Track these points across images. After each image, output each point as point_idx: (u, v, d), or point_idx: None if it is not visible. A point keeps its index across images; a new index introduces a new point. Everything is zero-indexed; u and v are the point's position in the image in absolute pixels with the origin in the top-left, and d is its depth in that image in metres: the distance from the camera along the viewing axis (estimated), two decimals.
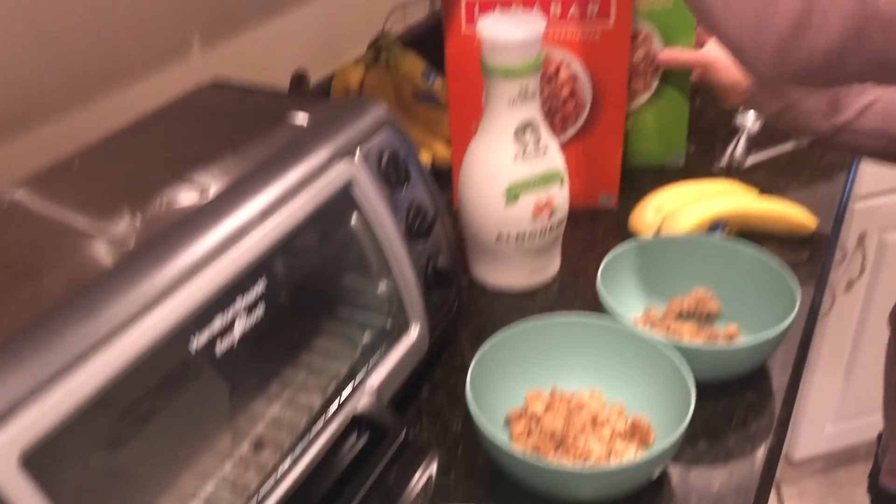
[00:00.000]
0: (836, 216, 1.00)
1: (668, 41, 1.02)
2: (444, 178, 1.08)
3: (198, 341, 0.53)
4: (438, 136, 1.11)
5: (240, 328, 0.56)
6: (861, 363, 1.68)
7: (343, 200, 0.66)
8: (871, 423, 1.79)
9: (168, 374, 0.52)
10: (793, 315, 0.74)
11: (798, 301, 0.75)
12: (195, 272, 0.53)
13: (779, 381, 0.77)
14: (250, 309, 0.56)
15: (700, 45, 1.02)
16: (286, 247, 0.61)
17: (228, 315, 0.55)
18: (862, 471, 1.87)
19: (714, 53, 0.97)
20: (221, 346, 0.54)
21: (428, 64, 1.18)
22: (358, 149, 0.68)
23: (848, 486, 1.84)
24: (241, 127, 0.70)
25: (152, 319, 0.49)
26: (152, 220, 0.57)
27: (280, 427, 0.63)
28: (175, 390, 0.53)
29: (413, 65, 1.17)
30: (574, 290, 0.91)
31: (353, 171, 0.66)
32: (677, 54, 1.01)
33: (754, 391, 0.76)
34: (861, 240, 1.47)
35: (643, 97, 1.06)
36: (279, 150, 0.64)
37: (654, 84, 1.05)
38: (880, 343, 1.64)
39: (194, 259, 0.53)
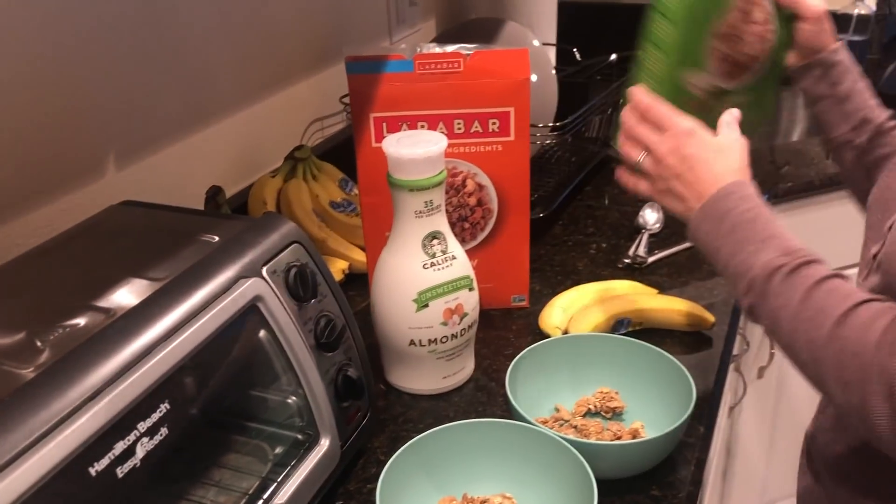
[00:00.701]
0: (734, 310, 1.05)
1: None
2: (362, 282, 1.11)
3: (98, 466, 0.53)
4: (356, 243, 1.14)
5: (143, 451, 0.56)
6: (780, 447, 1.73)
7: (250, 317, 0.68)
8: None
9: (68, 499, 0.52)
10: (690, 409, 0.78)
11: (694, 395, 0.79)
12: (95, 398, 0.53)
13: (682, 473, 0.80)
14: (153, 432, 0.57)
15: None
16: (191, 367, 0.62)
17: (130, 439, 0.55)
18: None
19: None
20: (123, 470, 0.55)
21: (345, 174, 1.22)
22: (265, 266, 0.70)
23: None
24: (149, 247, 0.72)
25: (48, 447, 0.50)
26: (54, 346, 0.57)
27: None
28: None
29: (330, 175, 1.21)
30: (489, 392, 0.93)
31: (260, 288, 0.68)
32: None
33: (658, 486, 0.79)
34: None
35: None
36: (185, 270, 0.66)
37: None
38: (797, 426, 1.70)
39: (94, 384, 0.54)
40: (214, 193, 1.02)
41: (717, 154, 0.75)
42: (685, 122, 0.77)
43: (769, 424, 1.70)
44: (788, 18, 0.90)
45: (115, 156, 0.98)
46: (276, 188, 1.15)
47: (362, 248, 1.13)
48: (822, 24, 0.90)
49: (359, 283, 1.12)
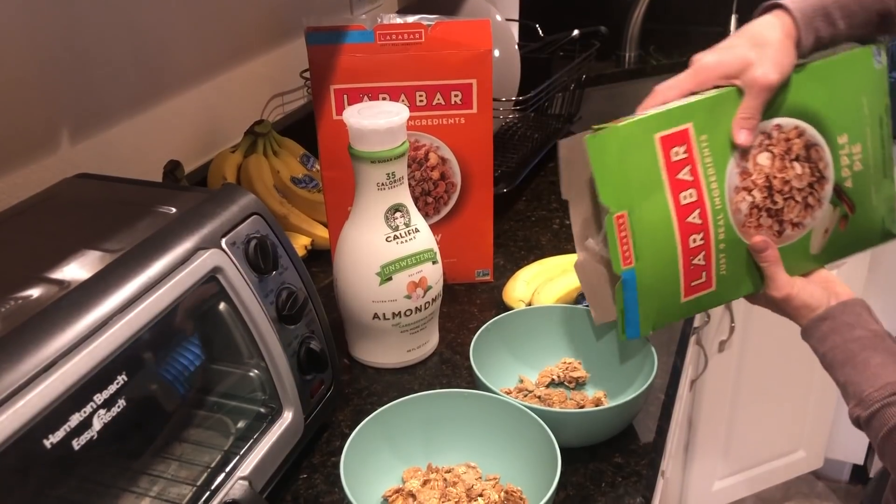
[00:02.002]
0: None
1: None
2: (325, 258, 1.10)
3: (53, 438, 0.52)
4: (318, 219, 1.13)
5: (100, 423, 0.55)
6: (740, 420, 1.76)
7: (209, 289, 0.67)
8: (753, 478, 1.87)
9: (23, 471, 0.51)
10: (650, 379, 0.78)
11: (656, 365, 0.80)
12: (49, 370, 0.52)
13: (644, 441, 0.81)
14: (110, 404, 0.56)
15: None
16: (149, 339, 0.61)
17: (86, 411, 0.54)
18: None
19: None
20: (80, 442, 0.53)
21: (306, 150, 1.21)
22: (224, 238, 0.69)
23: None
24: (105, 219, 0.71)
25: (0, 419, 0.48)
26: (5, 318, 0.56)
27: None
28: (34, 490, 0.52)
29: (291, 150, 1.19)
30: (453, 364, 0.93)
31: (219, 259, 0.67)
32: None
33: (621, 453, 0.79)
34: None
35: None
36: (142, 241, 0.65)
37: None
38: (757, 400, 1.73)
39: (48, 355, 0.53)
40: (173, 168, 1.00)
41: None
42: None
43: (730, 398, 1.73)
44: None
45: (68, 129, 0.95)
46: (236, 163, 1.13)
47: (325, 225, 1.12)
48: None
49: (322, 259, 1.11)
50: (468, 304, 1.04)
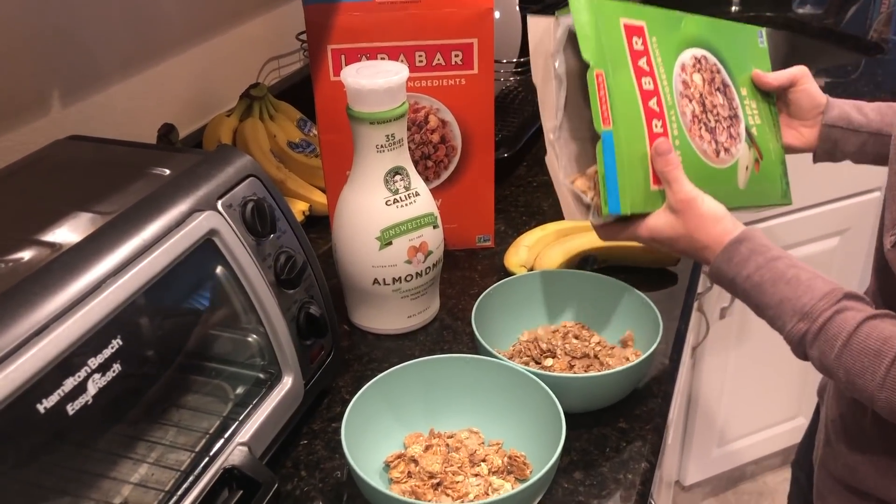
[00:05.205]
0: None
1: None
2: (323, 224, 1.08)
3: (47, 403, 0.50)
4: (316, 185, 1.11)
5: (94, 388, 0.54)
6: (739, 388, 1.76)
7: (206, 252, 0.65)
8: (752, 446, 1.87)
9: (16, 437, 0.49)
10: (656, 343, 0.77)
11: (661, 327, 0.79)
12: (41, 333, 0.51)
13: (650, 406, 0.80)
14: (105, 368, 0.55)
15: None
16: (145, 302, 0.59)
17: (80, 376, 0.53)
18: (748, 490, 1.95)
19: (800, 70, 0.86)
20: (74, 407, 0.52)
21: (303, 114, 1.19)
22: (220, 200, 0.67)
23: None
24: (97, 181, 0.69)
25: None
26: None
27: (147, 490, 0.61)
28: (28, 456, 0.50)
29: (287, 115, 1.17)
30: (454, 331, 0.92)
31: (215, 221, 0.65)
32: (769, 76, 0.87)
33: (626, 419, 0.78)
34: None
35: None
36: (136, 203, 0.63)
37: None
38: (755, 369, 1.73)
39: (39, 319, 0.51)
40: (167, 132, 0.98)
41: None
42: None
43: (731, 365, 1.72)
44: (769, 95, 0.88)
45: (59, 92, 0.93)
46: (232, 128, 1.11)
47: (323, 190, 1.10)
48: (801, 84, 0.86)
49: (319, 226, 1.10)
50: (469, 271, 1.03)
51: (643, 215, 0.73)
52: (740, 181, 0.81)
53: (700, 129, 0.78)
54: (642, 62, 0.74)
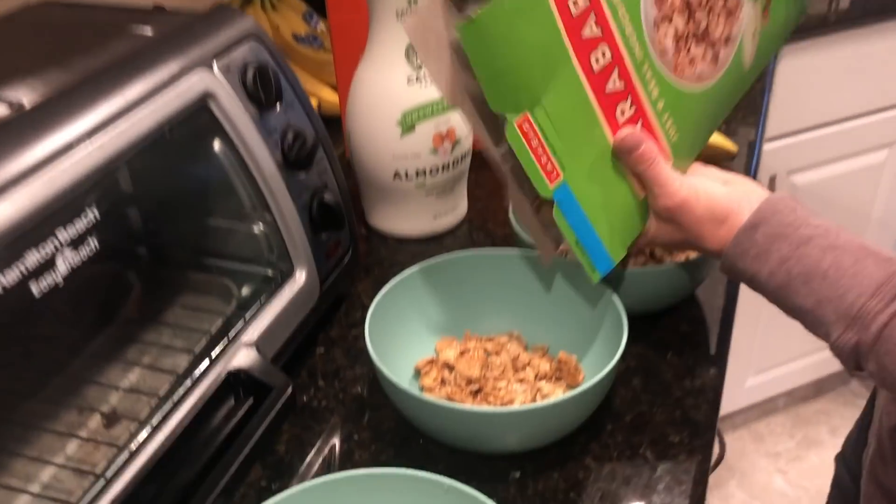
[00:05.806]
0: (758, 139, 0.94)
1: None
2: (334, 126, 0.97)
3: (6, 278, 0.41)
4: (324, 82, 1.01)
5: (64, 265, 0.44)
6: (775, 314, 1.67)
7: (201, 119, 0.55)
8: (787, 374, 1.79)
9: None
10: None
11: None
12: None
13: (711, 309, 0.70)
14: (77, 243, 0.45)
15: None
16: (128, 173, 0.50)
17: (46, 248, 0.43)
18: (780, 421, 1.87)
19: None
20: (41, 287, 0.43)
21: (309, 5, 1.07)
22: (216, 60, 0.56)
23: (769, 438, 1.84)
24: (74, 41, 0.58)
25: None
26: None
27: (139, 397, 0.52)
28: None
29: (292, 6, 1.06)
30: (485, 234, 0.82)
31: (210, 82, 0.55)
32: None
33: (688, 322, 0.69)
34: (772, 182, 1.44)
35: None
36: (117, 61, 0.53)
37: None
38: None
39: None
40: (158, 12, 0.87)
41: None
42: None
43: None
44: None
45: None
46: None
47: (333, 88, 0.99)
48: None
49: (330, 126, 0.98)
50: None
51: None
52: (747, 60, 0.63)
53: (689, 49, 0.59)
54: (589, 27, 0.53)
